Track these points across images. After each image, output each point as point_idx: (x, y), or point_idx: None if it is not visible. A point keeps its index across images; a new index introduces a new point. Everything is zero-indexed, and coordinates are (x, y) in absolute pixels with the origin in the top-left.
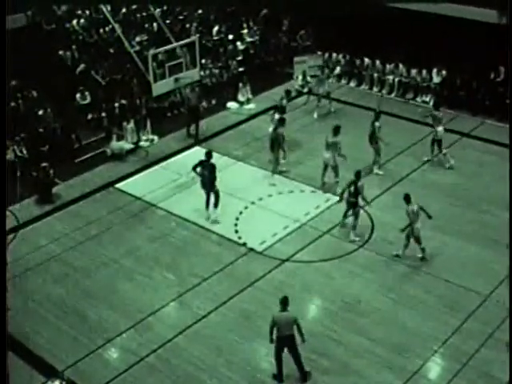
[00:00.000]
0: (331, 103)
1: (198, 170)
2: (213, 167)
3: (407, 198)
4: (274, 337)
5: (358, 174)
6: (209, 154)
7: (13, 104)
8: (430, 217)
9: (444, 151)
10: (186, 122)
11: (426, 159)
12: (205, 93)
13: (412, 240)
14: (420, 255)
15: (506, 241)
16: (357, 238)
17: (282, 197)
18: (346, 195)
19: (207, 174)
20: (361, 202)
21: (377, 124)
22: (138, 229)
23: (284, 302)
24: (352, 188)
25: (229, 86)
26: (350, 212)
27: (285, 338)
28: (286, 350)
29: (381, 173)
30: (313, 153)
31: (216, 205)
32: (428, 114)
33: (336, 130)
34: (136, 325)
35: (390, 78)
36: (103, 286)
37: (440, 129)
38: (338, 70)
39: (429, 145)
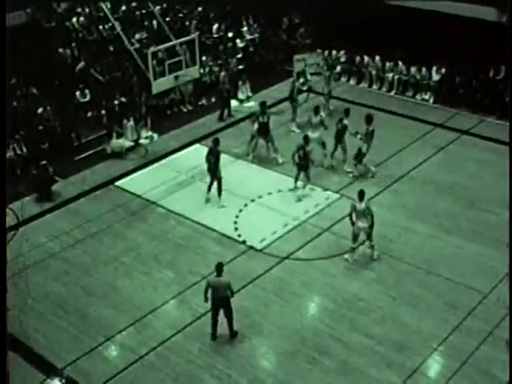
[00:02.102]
0: (328, 102)
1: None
2: (217, 154)
3: (360, 195)
4: (210, 298)
5: (305, 138)
6: (216, 141)
7: (13, 102)
8: (372, 224)
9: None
10: (221, 104)
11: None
12: (204, 90)
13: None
14: (346, 256)
15: (506, 239)
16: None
17: (281, 194)
18: (296, 159)
19: (213, 160)
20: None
21: (346, 122)
22: (138, 227)
23: (218, 268)
24: (301, 152)
25: (228, 83)
26: (302, 175)
27: (219, 299)
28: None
29: (350, 170)
30: (313, 151)
31: (219, 193)
32: (356, 133)
33: (316, 110)
34: (136, 323)
35: (390, 75)
36: (103, 283)
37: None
38: (338, 68)
39: (428, 143)
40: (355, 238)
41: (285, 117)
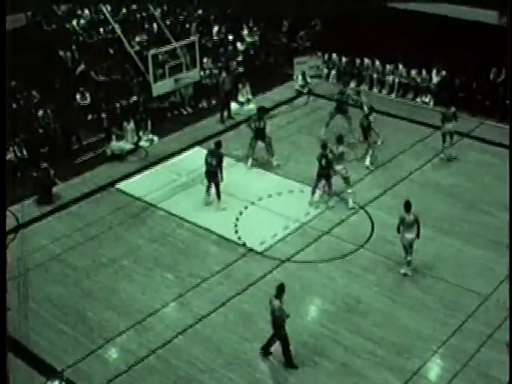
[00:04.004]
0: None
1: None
2: (220, 157)
3: (406, 206)
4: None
5: (324, 146)
6: (218, 144)
7: (13, 104)
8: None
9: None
10: (221, 106)
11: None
12: (204, 93)
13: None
14: (402, 270)
15: (506, 241)
16: (331, 204)
17: (281, 197)
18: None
19: (215, 163)
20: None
21: (371, 118)
22: (138, 229)
23: (277, 289)
24: (324, 161)
25: (229, 85)
26: (322, 183)
27: (272, 319)
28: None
29: (372, 168)
30: (313, 153)
31: (218, 195)
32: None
33: (340, 140)
34: (136, 325)
35: (390, 78)
36: (103, 286)
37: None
38: (333, 72)
39: (428, 146)
40: (406, 249)
41: (284, 120)
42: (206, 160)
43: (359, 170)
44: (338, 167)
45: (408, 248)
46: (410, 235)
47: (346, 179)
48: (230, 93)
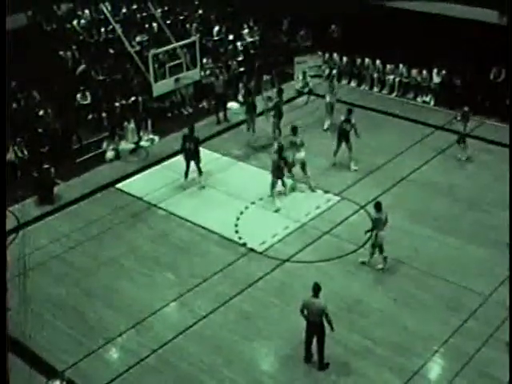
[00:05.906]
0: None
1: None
2: (197, 140)
3: (378, 206)
4: (305, 320)
5: (280, 149)
6: (192, 128)
7: (13, 104)
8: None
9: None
10: (214, 109)
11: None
12: (205, 93)
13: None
14: (380, 266)
15: (506, 241)
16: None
17: (282, 197)
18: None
19: (193, 147)
20: None
21: (353, 121)
22: (139, 229)
23: (314, 289)
24: (282, 163)
25: (229, 86)
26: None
27: (312, 324)
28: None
29: (357, 168)
30: (314, 153)
31: (200, 172)
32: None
33: (294, 130)
34: (136, 325)
35: (391, 78)
36: (104, 286)
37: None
38: (334, 71)
39: (428, 145)
40: (375, 248)
41: (284, 119)
42: (184, 145)
43: (359, 171)
44: (302, 154)
45: (379, 247)
46: (383, 232)
47: (305, 164)
48: (223, 96)
